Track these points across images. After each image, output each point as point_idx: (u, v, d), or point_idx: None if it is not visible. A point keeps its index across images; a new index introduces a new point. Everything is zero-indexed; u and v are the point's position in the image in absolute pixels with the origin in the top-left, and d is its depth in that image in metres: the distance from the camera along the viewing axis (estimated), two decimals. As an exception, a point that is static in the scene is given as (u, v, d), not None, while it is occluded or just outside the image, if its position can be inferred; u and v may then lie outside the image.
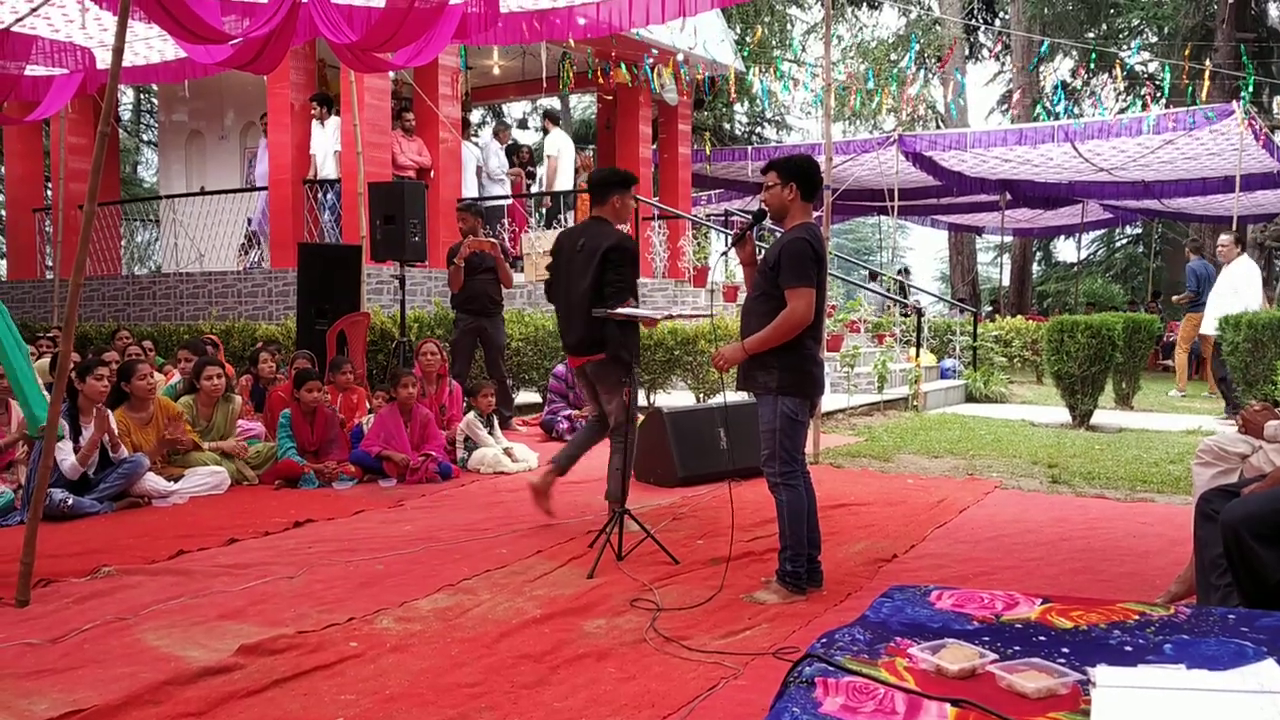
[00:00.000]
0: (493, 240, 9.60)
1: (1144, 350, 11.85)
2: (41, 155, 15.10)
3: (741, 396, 8.49)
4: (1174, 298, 14.22)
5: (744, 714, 3.08)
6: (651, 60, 13.35)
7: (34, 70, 8.26)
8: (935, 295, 20.67)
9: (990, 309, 23.12)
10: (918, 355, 12.73)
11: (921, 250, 47.41)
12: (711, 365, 4.07)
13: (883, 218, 23.89)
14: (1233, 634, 2.46)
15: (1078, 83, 20.48)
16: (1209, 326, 11.31)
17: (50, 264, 14.54)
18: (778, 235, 4.44)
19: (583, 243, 5.53)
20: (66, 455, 6.03)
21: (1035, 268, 30.49)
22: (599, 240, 5.44)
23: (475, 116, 19.06)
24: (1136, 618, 2.56)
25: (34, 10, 7.24)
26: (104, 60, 8.07)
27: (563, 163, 14.02)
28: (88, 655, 3.67)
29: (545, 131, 14.67)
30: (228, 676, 3.43)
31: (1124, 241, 31.53)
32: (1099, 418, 10.43)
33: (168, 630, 3.94)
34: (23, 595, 4.28)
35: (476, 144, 13.87)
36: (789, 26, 23.52)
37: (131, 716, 3.13)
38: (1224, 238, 11.83)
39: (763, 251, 4.95)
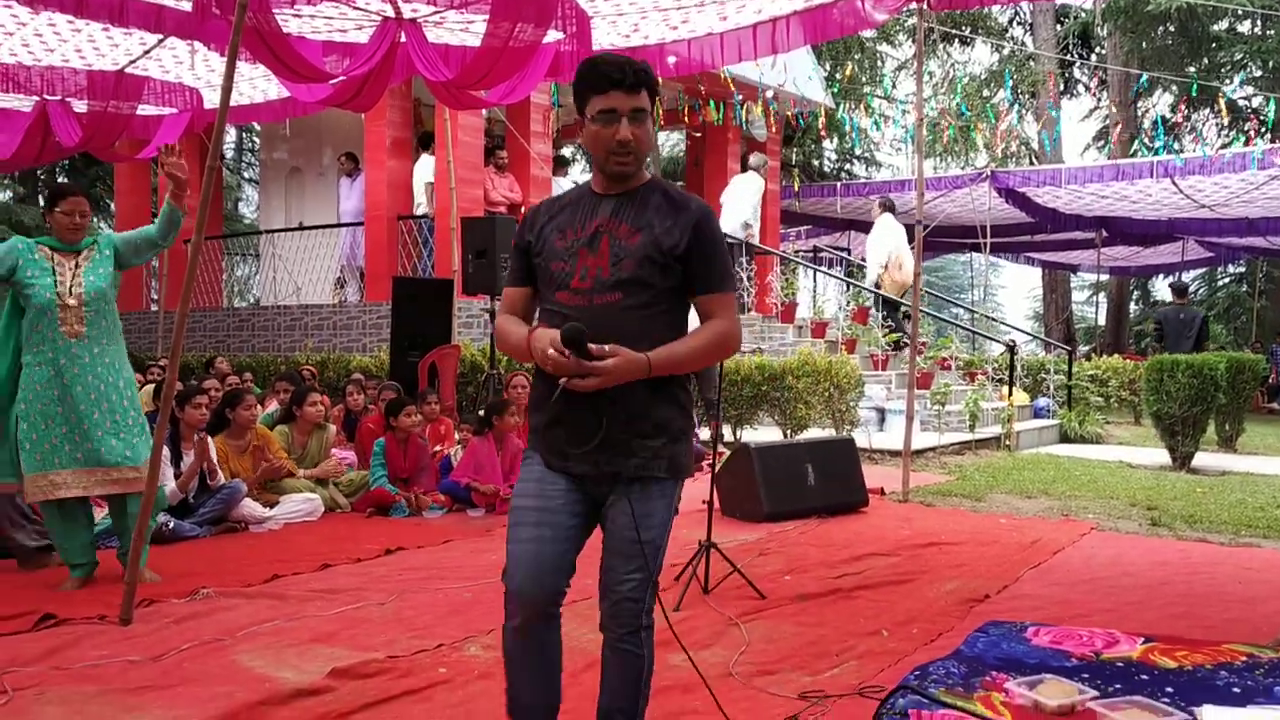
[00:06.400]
0: None
1: (1248, 391, 11.49)
2: (149, 192, 15.67)
3: (829, 433, 8.43)
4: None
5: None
6: (741, 97, 13.41)
7: (144, 110, 8.59)
8: (1025, 332, 20.27)
9: (1088, 349, 22.61)
10: (1010, 394, 12.49)
11: (1014, 288, 46.65)
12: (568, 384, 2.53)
13: (974, 255, 23.56)
14: (1348, 679, 2.36)
15: (1178, 118, 20.02)
16: (875, 270, 13.55)
17: (155, 296, 15.05)
18: (649, 192, 2.73)
19: (1181, 315, 12.74)
20: (166, 480, 6.19)
21: (1133, 307, 29.72)
22: (1193, 314, 12.77)
23: (567, 153, 19.27)
24: (1244, 659, 2.46)
25: (147, 53, 7.55)
26: (211, 100, 8.37)
27: None
28: (187, 674, 3.76)
29: None
30: (320, 698, 3.49)
31: (1226, 280, 30.60)
32: (1200, 460, 10.11)
33: (262, 652, 4.02)
34: (126, 614, 4.41)
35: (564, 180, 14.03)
36: (879, 63, 23.43)
37: (228, 734, 3.20)
38: (875, 204, 14.31)
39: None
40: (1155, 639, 2.61)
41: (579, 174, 14.79)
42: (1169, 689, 2.27)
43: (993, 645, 2.52)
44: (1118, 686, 2.29)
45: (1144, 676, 2.36)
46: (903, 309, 13.52)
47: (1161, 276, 27.68)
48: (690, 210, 2.66)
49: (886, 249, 13.49)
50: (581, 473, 2.65)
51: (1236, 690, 2.25)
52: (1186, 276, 26.51)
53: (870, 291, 13.91)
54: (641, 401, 2.57)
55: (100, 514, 5.71)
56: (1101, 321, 26.66)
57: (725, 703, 3.51)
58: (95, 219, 21.01)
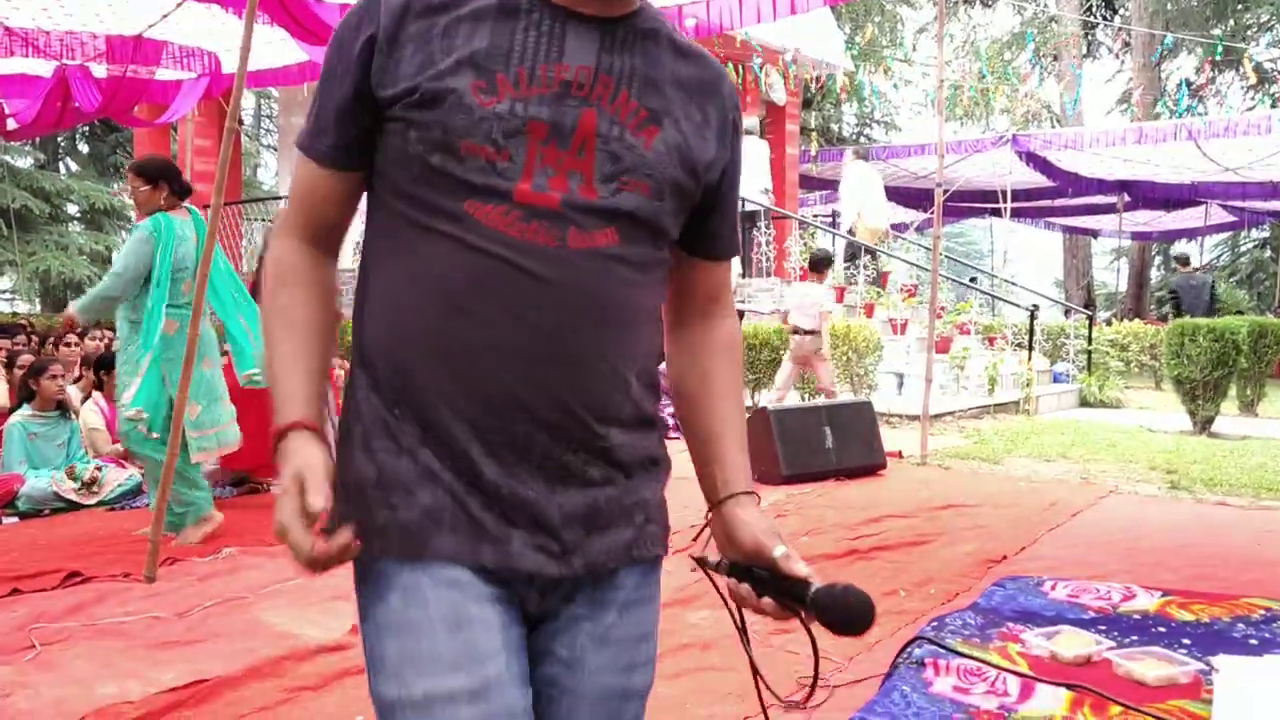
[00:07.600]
0: None
1: (1270, 356, 11.41)
2: (169, 157, 15.71)
3: (848, 396, 8.37)
4: None
5: (848, 705, 3.05)
6: (760, 60, 13.31)
7: (163, 74, 8.58)
8: (1048, 298, 20.08)
9: (1109, 314, 22.46)
10: (1030, 359, 12.45)
11: (1034, 254, 46.24)
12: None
13: (994, 220, 23.38)
14: (1366, 632, 2.36)
15: (1203, 80, 19.77)
16: (849, 219, 13.72)
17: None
18: (653, 34, 1.33)
19: (1193, 282, 13.90)
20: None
21: (1154, 272, 29.48)
22: (1202, 279, 14.10)
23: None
24: (1262, 612, 2.47)
25: (165, 17, 7.53)
26: (229, 64, 8.35)
27: None
28: (210, 630, 3.82)
29: None
30: (342, 654, 3.54)
31: (1250, 245, 30.30)
32: (1221, 425, 10.06)
33: (285, 609, 4.08)
34: (150, 572, 4.47)
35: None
36: (899, 26, 23.20)
37: (252, 688, 3.25)
38: (847, 153, 14.88)
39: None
40: (1172, 593, 2.62)
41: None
42: (1186, 640, 2.28)
43: (1010, 598, 2.53)
44: (1134, 638, 2.30)
45: (1161, 628, 2.37)
46: (879, 255, 14.16)
47: (1184, 241, 27.47)
48: (724, 93, 1.41)
49: (857, 199, 13.77)
50: (547, 521, 1.30)
51: (1254, 642, 2.25)
52: (1209, 241, 26.33)
53: (845, 238, 13.98)
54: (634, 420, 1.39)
55: (124, 474, 5.78)
56: (1122, 287, 26.45)
57: (742, 660, 3.51)
58: (112, 184, 21.00)
